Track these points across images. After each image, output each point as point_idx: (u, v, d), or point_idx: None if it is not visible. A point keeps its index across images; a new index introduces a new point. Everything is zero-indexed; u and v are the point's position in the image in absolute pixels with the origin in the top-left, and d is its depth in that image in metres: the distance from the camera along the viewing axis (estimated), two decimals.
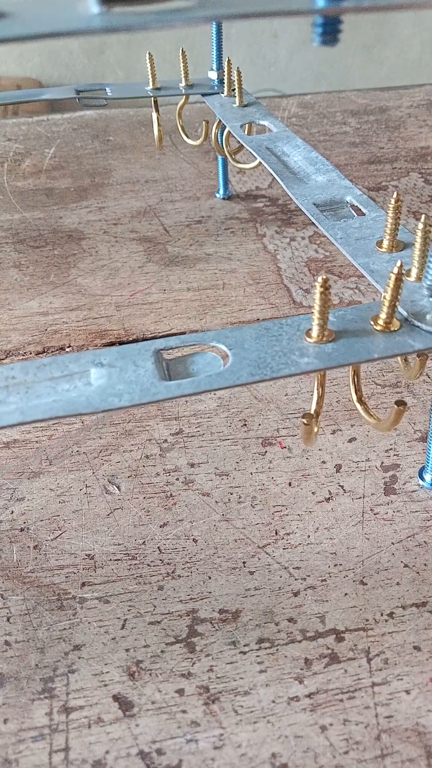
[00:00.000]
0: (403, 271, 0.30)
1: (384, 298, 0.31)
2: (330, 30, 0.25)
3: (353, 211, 0.42)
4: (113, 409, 0.27)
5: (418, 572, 0.36)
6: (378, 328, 0.31)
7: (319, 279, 0.29)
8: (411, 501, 0.40)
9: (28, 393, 0.28)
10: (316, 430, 0.32)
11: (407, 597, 0.35)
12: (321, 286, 0.29)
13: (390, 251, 0.37)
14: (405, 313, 0.32)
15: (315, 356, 0.30)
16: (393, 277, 0.30)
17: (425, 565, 0.36)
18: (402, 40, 1.87)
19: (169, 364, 0.30)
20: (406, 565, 0.36)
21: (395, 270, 0.30)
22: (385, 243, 0.37)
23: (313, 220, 0.41)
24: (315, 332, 0.30)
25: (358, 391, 0.37)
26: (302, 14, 0.24)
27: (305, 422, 0.32)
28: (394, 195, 0.36)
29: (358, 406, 0.36)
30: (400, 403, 0.32)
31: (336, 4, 0.24)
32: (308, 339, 0.31)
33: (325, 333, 0.30)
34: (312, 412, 0.32)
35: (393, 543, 0.38)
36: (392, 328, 0.31)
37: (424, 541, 0.38)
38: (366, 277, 0.36)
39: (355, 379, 0.37)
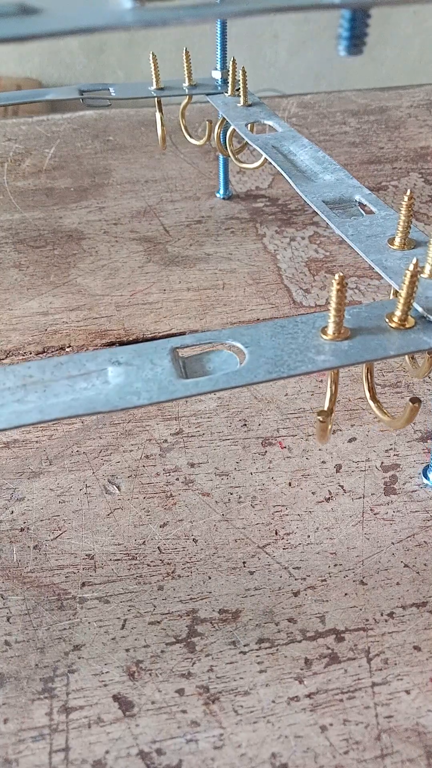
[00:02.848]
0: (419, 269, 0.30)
1: (399, 295, 0.31)
2: (356, 39, 0.25)
3: (362, 210, 0.42)
4: (132, 407, 0.27)
5: (418, 572, 0.36)
6: (393, 325, 0.31)
7: (336, 276, 0.29)
8: (411, 501, 0.40)
9: (45, 392, 0.28)
10: (330, 427, 0.33)
11: (407, 597, 0.35)
12: (338, 284, 0.29)
13: (402, 249, 0.37)
14: (420, 310, 0.32)
15: (331, 354, 0.30)
16: (409, 274, 0.30)
17: (425, 565, 0.36)
18: (402, 40, 1.87)
19: (185, 362, 0.30)
20: (406, 565, 0.36)
21: (411, 267, 0.30)
22: (397, 240, 0.37)
23: (324, 217, 0.41)
24: (331, 329, 0.30)
25: (371, 389, 0.37)
26: (332, 8, 0.24)
27: (321, 419, 0.32)
28: (408, 192, 0.36)
29: (371, 403, 0.36)
30: (415, 400, 0.32)
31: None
32: (324, 336, 0.31)
33: (341, 330, 0.31)
34: (326, 409, 0.32)
35: (393, 543, 0.38)
36: (407, 326, 0.31)
37: (424, 541, 0.38)
38: (380, 274, 0.36)
39: (369, 377, 0.37)
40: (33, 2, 0.24)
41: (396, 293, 0.38)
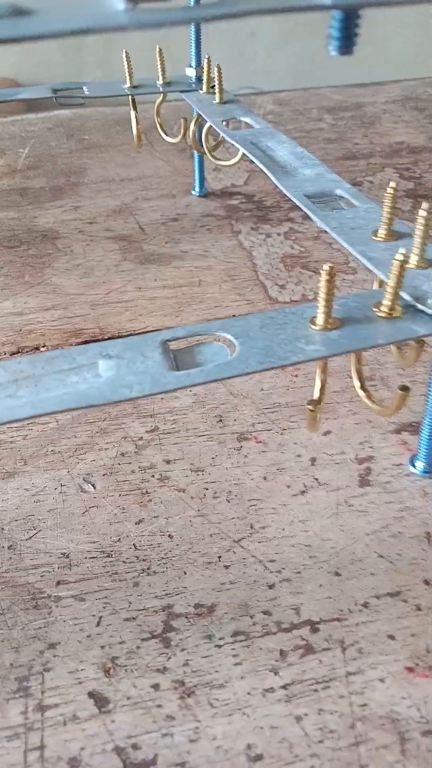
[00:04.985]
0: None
1: (387, 285, 0.31)
2: (347, 39, 0.25)
3: (343, 204, 0.42)
4: (125, 399, 0.28)
5: (391, 562, 0.36)
6: (381, 314, 0.32)
7: (325, 267, 0.30)
8: (385, 492, 0.40)
9: (37, 386, 0.28)
10: (319, 416, 0.33)
11: (381, 587, 0.35)
12: (327, 274, 0.30)
13: (386, 240, 0.38)
14: (408, 298, 0.32)
15: (321, 343, 0.30)
16: (396, 263, 0.30)
17: (399, 555, 0.37)
18: (382, 37, 1.88)
19: (176, 354, 0.30)
20: (380, 556, 0.37)
21: (399, 257, 0.30)
22: (381, 232, 0.38)
23: (306, 211, 0.41)
24: (320, 320, 0.31)
25: (360, 378, 0.37)
26: (320, 9, 0.24)
27: (311, 409, 0.32)
28: (391, 184, 0.37)
29: (360, 393, 0.37)
30: (404, 388, 0.32)
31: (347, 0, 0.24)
32: (313, 327, 0.31)
33: (330, 320, 0.31)
34: (315, 398, 0.33)
35: (367, 534, 0.38)
36: (395, 314, 0.32)
37: (398, 532, 0.38)
38: (366, 265, 0.36)
39: (358, 367, 0.37)
40: (26, 3, 0.24)
41: (381, 283, 0.38)
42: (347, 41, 0.25)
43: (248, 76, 1.93)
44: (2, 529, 0.38)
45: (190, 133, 0.65)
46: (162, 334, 0.31)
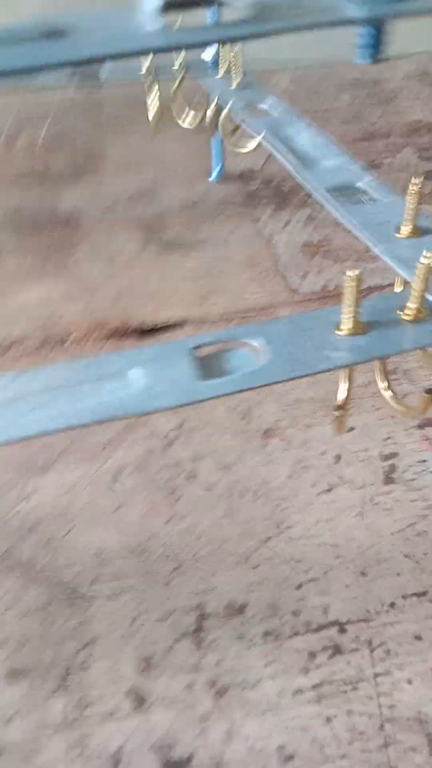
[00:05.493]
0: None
1: (413, 288, 0.31)
2: (373, 48, 0.25)
3: (365, 198, 0.42)
4: (159, 410, 0.28)
5: (417, 561, 0.37)
6: (407, 317, 0.31)
7: (350, 273, 0.29)
8: (410, 490, 0.41)
9: (71, 396, 0.28)
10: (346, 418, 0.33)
11: (407, 587, 0.36)
12: (352, 281, 0.29)
13: (410, 237, 0.37)
14: None
15: (348, 350, 0.30)
16: (422, 267, 0.30)
17: (425, 554, 0.37)
18: None
19: (203, 362, 0.30)
20: (405, 555, 0.37)
21: (424, 260, 0.30)
22: (405, 229, 0.37)
23: (328, 207, 0.40)
24: (346, 325, 0.31)
25: (385, 380, 0.37)
26: (350, 24, 0.24)
27: (337, 414, 0.32)
28: (413, 180, 0.36)
29: (385, 394, 0.37)
30: (430, 391, 0.32)
31: (378, 12, 0.24)
32: (339, 332, 0.31)
33: (356, 325, 0.31)
34: (341, 403, 0.33)
35: (392, 533, 0.38)
36: (421, 317, 0.31)
37: (423, 530, 0.38)
38: (391, 266, 0.35)
39: (383, 368, 0.37)
40: (60, 24, 0.23)
41: (405, 283, 0.38)
42: (374, 50, 0.25)
43: (262, 48, 1.88)
44: (37, 525, 0.39)
45: (207, 118, 0.64)
46: (189, 341, 0.31)
